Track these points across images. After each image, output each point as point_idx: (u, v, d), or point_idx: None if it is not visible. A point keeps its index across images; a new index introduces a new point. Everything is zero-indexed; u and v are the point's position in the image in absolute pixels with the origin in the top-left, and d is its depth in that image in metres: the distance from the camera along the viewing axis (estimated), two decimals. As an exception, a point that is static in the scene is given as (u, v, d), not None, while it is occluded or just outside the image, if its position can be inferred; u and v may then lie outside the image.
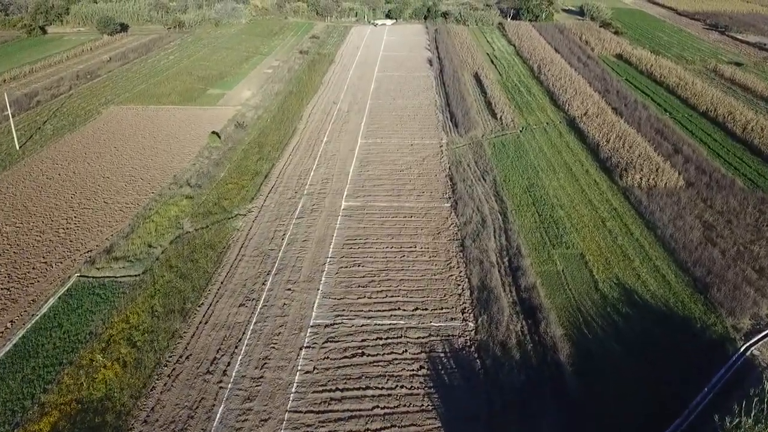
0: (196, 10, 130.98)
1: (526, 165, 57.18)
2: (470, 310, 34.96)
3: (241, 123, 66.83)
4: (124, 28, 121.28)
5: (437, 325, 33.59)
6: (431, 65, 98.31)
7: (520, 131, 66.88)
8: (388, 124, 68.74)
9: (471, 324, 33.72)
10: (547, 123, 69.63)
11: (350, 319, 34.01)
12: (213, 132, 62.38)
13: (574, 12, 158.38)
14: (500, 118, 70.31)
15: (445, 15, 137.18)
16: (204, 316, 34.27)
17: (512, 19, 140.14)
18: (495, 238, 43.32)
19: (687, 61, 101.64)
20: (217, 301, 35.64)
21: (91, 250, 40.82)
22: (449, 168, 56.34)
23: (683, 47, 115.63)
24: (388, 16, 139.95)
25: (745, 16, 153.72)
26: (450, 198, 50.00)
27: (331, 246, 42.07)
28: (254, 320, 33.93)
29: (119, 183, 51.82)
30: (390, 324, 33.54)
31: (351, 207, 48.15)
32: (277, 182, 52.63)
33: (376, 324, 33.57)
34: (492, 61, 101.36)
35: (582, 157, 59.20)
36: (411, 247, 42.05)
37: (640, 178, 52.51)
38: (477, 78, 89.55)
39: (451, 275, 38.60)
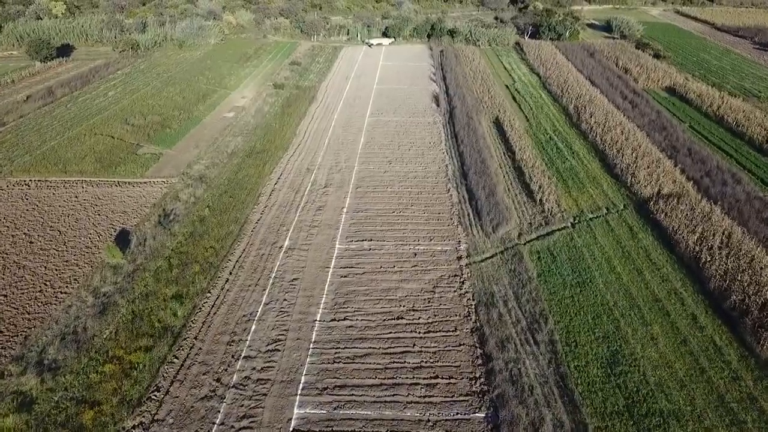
0: (158, 28, 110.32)
1: (596, 303, 36.35)
2: None
3: (168, 212, 46.10)
4: (65, 51, 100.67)
5: None
6: (438, 105, 77.57)
7: (572, 225, 46.10)
8: (382, 211, 47.95)
9: None
10: (607, 209, 48.84)
11: None
12: (115, 240, 41.61)
13: (599, 27, 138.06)
14: (539, 199, 49.56)
15: (452, 33, 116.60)
16: None
17: (530, 37, 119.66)
18: None
19: (759, 98, 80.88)
20: None
21: None
22: (476, 310, 35.53)
23: (740, 75, 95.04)
24: (385, 34, 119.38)
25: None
26: (482, 393, 29.17)
27: None
28: None
29: (-75, 358, 31.00)
30: None
31: (309, 421, 27.31)
32: (190, 357, 31.70)
33: None
34: (514, 98, 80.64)
35: (677, 284, 38.36)
36: None
37: (794, 345, 31.79)
38: (498, 126, 68.83)
39: None
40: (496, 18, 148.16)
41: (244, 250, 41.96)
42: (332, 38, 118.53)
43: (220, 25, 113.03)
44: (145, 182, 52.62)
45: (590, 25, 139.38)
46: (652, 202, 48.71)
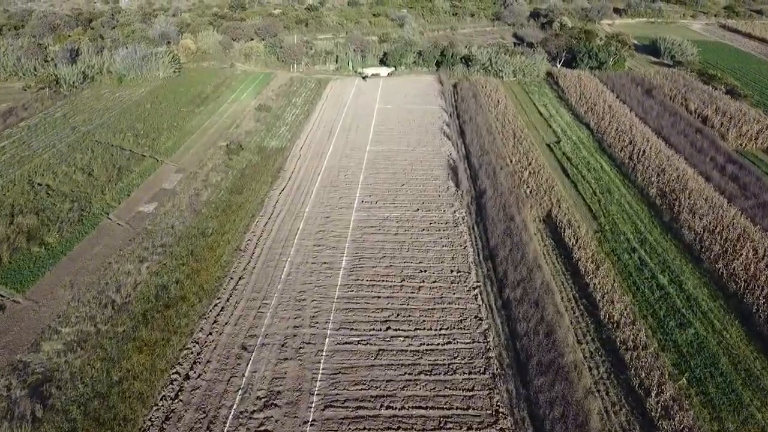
0: (94, 56, 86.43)
1: None
2: None
3: None
4: (-37, 91, 77.01)
5: None
6: (458, 184, 53.55)
7: None
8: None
9: None
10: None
11: None
12: None
13: (641, 48, 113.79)
14: (674, 450, 25.57)
15: (467, 61, 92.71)
16: None
17: (564, 65, 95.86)
18: None
19: None
20: None
21: None
22: None
23: None
24: (383, 61, 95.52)
25: None
26: None
27: None
28: None
29: None
30: None
31: None
32: None
33: None
34: (564, 170, 56.71)
35: None
36: None
37: None
38: (554, 230, 44.98)
39: None
40: (516, 37, 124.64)
41: None
42: (317, 67, 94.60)
43: (174, 52, 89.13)
44: (-65, 396, 28.60)
45: (608, 36, 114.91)
46: None
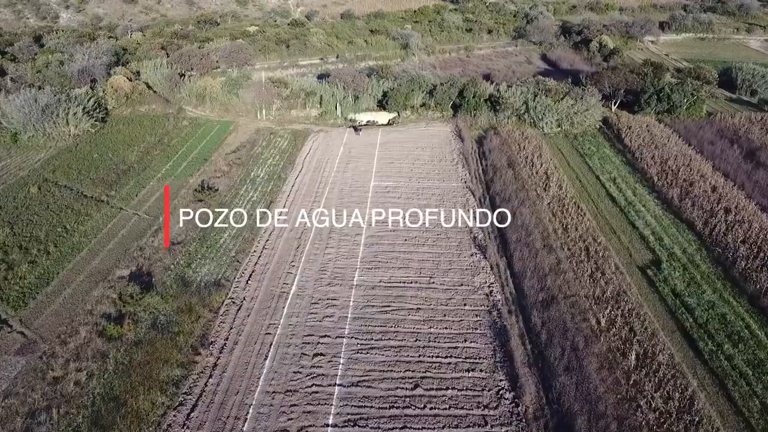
0: (-16, 102, 62.70)
1: None
2: None
3: None
4: None
5: None
6: (516, 383, 29.69)
7: None
8: None
9: None
10: None
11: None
12: None
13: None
14: None
15: (494, 103, 69.09)
16: None
17: (620, 107, 72.39)
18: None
19: None
20: None
21: None
22: None
23: None
24: (380, 105, 71.84)
25: None
26: None
27: None
28: None
29: None
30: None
31: None
32: None
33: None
34: (689, 339, 32.86)
35: None
36: None
37: None
38: None
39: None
40: (545, 60, 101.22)
41: None
42: (293, 113, 70.75)
43: (98, 96, 65.35)
44: None
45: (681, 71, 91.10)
46: None
